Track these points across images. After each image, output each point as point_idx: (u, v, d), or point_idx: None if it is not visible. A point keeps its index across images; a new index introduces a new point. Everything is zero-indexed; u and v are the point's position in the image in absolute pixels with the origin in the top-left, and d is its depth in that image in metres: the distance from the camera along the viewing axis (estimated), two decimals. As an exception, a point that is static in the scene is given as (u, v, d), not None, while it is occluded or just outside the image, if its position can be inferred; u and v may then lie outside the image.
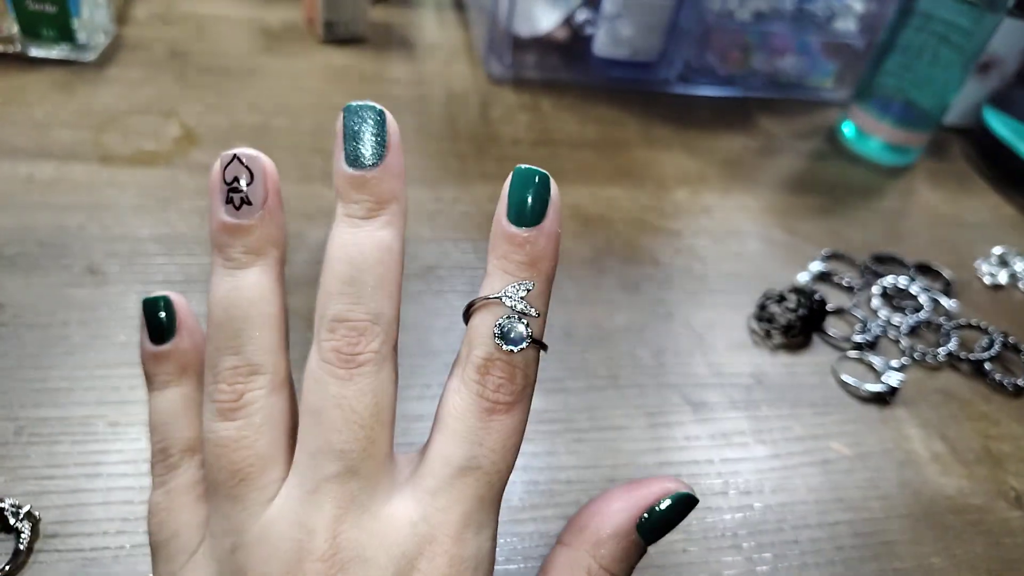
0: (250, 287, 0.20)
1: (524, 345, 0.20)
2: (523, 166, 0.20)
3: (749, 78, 0.62)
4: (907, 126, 0.56)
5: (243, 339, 0.20)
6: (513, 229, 0.20)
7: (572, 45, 0.61)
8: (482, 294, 0.20)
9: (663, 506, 0.21)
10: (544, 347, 0.20)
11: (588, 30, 0.57)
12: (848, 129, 0.58)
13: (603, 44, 0.58)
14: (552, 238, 0.20)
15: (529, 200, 0.20)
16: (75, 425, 0.31)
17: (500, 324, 0.20)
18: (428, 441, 0.20)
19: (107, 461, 0.30)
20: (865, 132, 0.57)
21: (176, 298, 0.22)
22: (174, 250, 0.39)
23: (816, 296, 0.41)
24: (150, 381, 0.22)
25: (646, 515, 0.21)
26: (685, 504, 0.21)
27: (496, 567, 0.22)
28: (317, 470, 0.18)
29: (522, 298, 0.20)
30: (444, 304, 0.39)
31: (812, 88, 0.64)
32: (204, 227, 0.41)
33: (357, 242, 0.20)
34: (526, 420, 0.21)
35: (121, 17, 0.57)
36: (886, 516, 0.34)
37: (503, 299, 0.20)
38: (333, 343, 0.19)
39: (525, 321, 0.20)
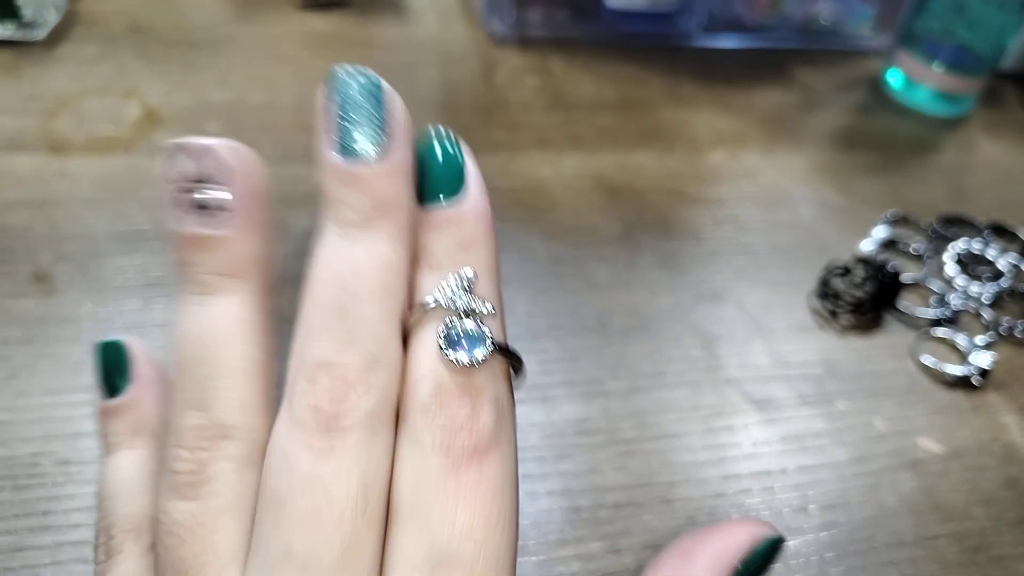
0: (223, 321, 0.15)
1: (486, 351, 0.14)
2: (422, 132, 0.15)
3: (780, 27, 0.56)
4: (960, 71, 0.50)
5: (211, 391, 0.14)
6: (431, 211, 0.16)
7: (580, -1, 0.54)
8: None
9: (752, 558, 0.17)
10: (517, 360, 0.15)
11: (599, -22, 0.51)
12: (894, 78, 0.52)
13: (616, -5, 0.52)
14: (484, 214, 0.16)
15: (441, 169, 0.16)
16: (18, 467, 0.26)
17: (441, 330, 0.14)
18: (384, 536, 0.14)
19: (56, 510, 0.25)
20: (913, 79, 0.51)
21: (133, 342, 0.17)
22: (135, 249, 0.33)
23: (888, 267, 0.35)
24: (103, 442, 0.17)
25: (739, 570, 0.17)
26: (774, 550, 0.18)
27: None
28: None
29: (465, 290, 0.15)
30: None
31: (849, 36, 0.57)
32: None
33: (351, 259, 0.14)
34: (514, 468, 0.14)
35: (74, -11, 0.51)
36: (994, 525, 0.28)
37: (436, 301, 0.14)
38: (311, 399, 0.13)
39: (476, 319, 0.14)
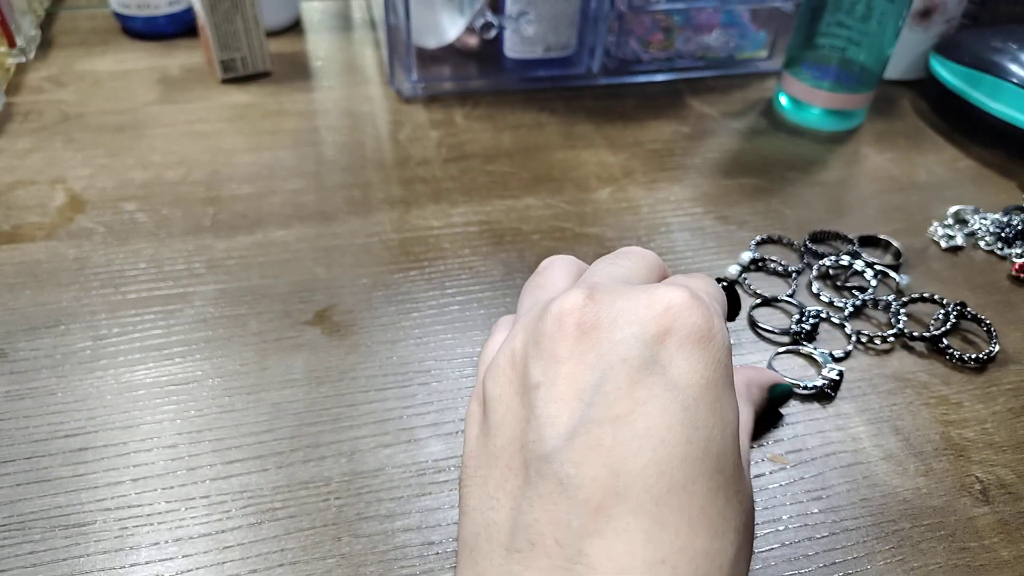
0: None
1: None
2: None
3: (676, 60, 0.59)
4: (846, 87, 0.52)
5: None
6: None
7: (485, 51, 0.57)
8: None
9: (780, 387, 0.33)
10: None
11: (492, 32, 0.54)
12: (784, 100, 0.55)
13: (513, 45, 0.55)
14: None
15: None
16: None
17: None
18: None
19: None
20: (802, 101, 0.53)
21: None
22: (48, 328, 0.37)
23: (723, 283, 0.37)
24: None
25: (773, 386, 0.33)
26: (791, 392, 0.34)
27: None
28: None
29: None
30: (339, 350, 0.36)
31: (746, 62, 0.60)
32: (80, 300, 0.38)
33: None
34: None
35: (11, 86, 0.55)
36: (831, 532, 0.30)
37: None
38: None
39: None
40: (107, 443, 0.32)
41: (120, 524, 0.29)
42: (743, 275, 0.41)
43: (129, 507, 0.30)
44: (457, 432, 0.33)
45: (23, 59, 0.58)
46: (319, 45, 0.63)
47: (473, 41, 0.57)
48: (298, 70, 0.59)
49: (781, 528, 0.30)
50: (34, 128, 0.51)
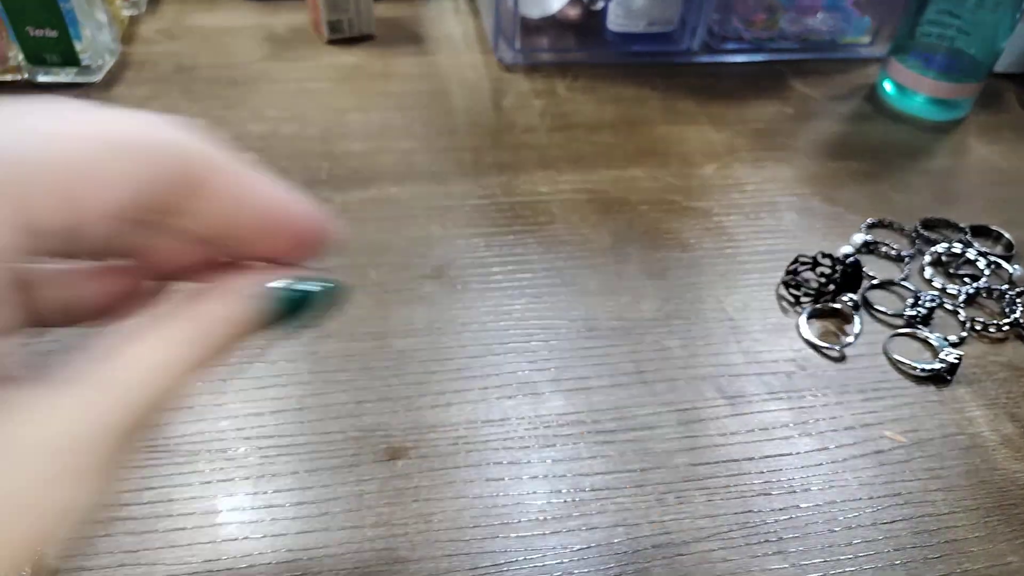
0: None
1: None
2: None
3: (778, 41, 0.58)
4: (954, 77, 0.51)
5: None
6: None
7: (586, 23, 0.58)
8: None
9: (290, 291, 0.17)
10: None
11: (599, 4, 0.54)
12: (888, 86, 0.54)
13: (616, 18, 0.55)
14: None
15: None
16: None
17: None
18: None
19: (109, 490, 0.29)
20: (907, 88, 0.53)
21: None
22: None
23: (850, 259, 0.38)
24: None
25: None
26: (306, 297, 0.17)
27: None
28: None
29: None
30: (458, 305, 0.37)
31: (848, 46, 0.59)
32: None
33: None
34: None
35: (126, 36, 0.57)
36: (951, 511, 0.30)
37: None
38: None
39: None
40: (246, 376, 0.33)
41: (261, 452, 0.31)
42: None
43: (268, 437, 0.31)
44: (577, 389, 0.34)
45: (136, 11, 0.59)
46: (421, 10, 0.64)
47: (574, 13, 0.58)
48: (401, 35, 0.60)
49: (902, 502, 0.30)
50: (150, 78, 0.53)
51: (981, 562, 0.29)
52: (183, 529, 0.28)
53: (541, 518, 0.29)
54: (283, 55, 0.56)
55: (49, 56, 0.49)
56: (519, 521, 0.29)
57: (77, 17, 0.48)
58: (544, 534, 0.29)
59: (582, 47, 0.57)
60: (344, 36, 0.57)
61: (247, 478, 0.30)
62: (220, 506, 0.29)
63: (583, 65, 0.57)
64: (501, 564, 0.28)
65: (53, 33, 0.48)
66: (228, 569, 0.27)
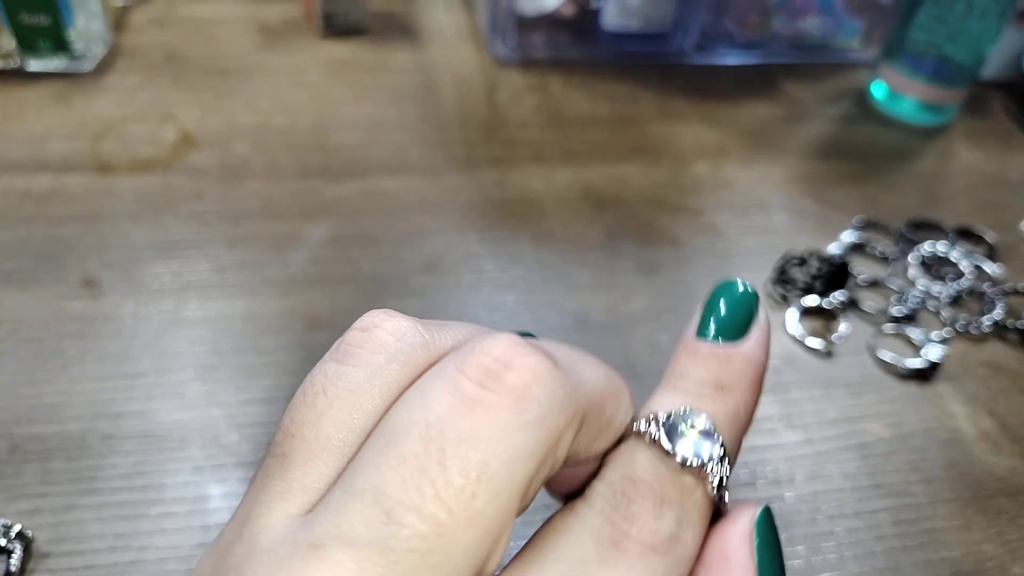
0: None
1: (700, 458, 0.14)
2: (730, 279, 0.17)
3: (771, 43, 0.59)
4: (942, 83, 0.52)
5: None
6: (699, 342, 0.16)
7: (581, 21, 0.58)
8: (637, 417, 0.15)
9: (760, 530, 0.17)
10: (723, 503, 0.15)
11: (595, 3, 0.55)
12: (878, 90, 0.55)
13: (612, 17, 0.56)
14: (751, 363, 0.16)
15: (725, 311, 0.16)
16: (69, 440, 0.30)
17: (665, 418, 0.15)
18: None
19: (100, 476, 0.29)
20: (897, 92, 0.54)
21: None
22: (170, 256, 0.38)
23: (837, 258, 0.38)
24: None
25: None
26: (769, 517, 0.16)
27: None
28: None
29: (692, 426, 0.15)
30: (450, 299, 0.38)
31: (838, 49, 0.60)
32: (200, 232, 0.40)
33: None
34: None
35: (118, 24, 0.57)
36: (931, 501, 0.31)
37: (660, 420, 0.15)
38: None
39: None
40: (239, 364, 0.33)
41: (252, 440, 0.31)
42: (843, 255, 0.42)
43: (260, 424, 0.31)
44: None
45: (128, 1, 0.59)
46: (415, 5, 0.64)
47: (569, 10, 0.58)
48: (394, 29, 0.60)
49: (884, 493, 0.31)
50: (141, 66, 0.53)
51: (958, 550, 0.29)
52: (175, 514, 0.28)
53: (532, 506, 0.29)
54: (275, 47, 0.56)
55: (41, 43, 0.49)
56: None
57: (70, 5, 0.48)
58: (534, 521, 0.29)
59: (576, 45, 0.58)
60: (338, 30, 0.58)
61: (239, 464, 0.30)
62: (212, 492, 0.29)
63: (577, 63, 0.57)
64: (491, 551, 0.28)
65: (46, 20, 0.48)
66: (220, 554, 0.27)
